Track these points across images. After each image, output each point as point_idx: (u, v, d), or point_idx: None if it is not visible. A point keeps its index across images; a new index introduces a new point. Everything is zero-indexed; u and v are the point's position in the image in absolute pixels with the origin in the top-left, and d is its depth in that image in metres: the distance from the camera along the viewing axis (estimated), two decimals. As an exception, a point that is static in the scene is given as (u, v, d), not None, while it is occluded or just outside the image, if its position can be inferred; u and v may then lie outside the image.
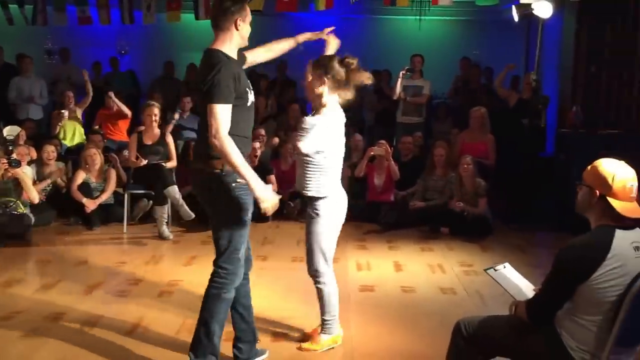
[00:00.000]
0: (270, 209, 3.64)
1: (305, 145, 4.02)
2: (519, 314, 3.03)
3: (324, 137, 4.05)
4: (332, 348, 4.35)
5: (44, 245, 6.99)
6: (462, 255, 6.77)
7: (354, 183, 8.27)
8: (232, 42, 3.70)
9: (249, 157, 3.78)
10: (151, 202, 7.81)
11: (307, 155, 4.07)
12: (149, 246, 7.01)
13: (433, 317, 4.91)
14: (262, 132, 9.34)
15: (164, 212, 7.36)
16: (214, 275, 3.82)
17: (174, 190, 7.28)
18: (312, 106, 4.23)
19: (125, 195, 7.70)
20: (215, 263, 3.82)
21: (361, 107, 11.34)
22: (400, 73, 9.54)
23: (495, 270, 3.41)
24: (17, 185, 7.17)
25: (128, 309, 5.01)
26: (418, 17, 11.00)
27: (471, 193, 7.74)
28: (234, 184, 3.68)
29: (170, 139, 7.87)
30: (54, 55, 12.25)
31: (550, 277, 2.89)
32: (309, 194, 4.15)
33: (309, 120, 4.05)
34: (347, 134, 9.37)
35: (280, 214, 8.25)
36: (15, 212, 7.17)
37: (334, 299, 4.32)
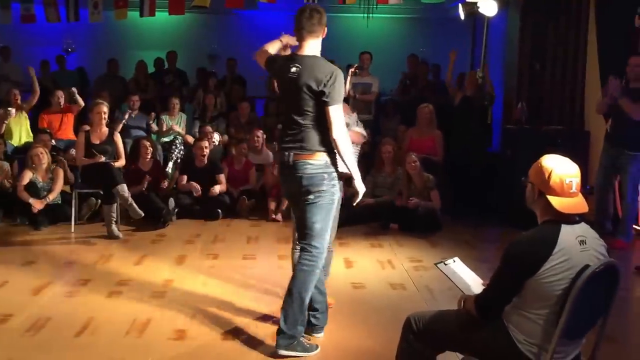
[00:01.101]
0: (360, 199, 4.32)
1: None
2: (468, 309, 3.08)
3: None
4: None
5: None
6: (411, 251, 6.86)
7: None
8: (319, 48, 4.23)
9: None
10: (99, 201, 7.71)
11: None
12: (98, 246, 6.91)
13: (383, 313, 4.97)
14: (210, 129, 9.31)
15: (113, 211, 7.26)
16: (307, 253, 4.23)
17: (123, 189, 7.20)
18: None
19: (73, 195, 7.58)
20: (308, 243, 4.24)
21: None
22: (350, 71, 9.57)
23: (445, 264, 3.46)
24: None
25: (77, 309, 4.94)
26: (366, 15, 11.08)
27: (420, 188, 7.85)
28: (334, 174, 4.21)
29: (118, 138, 7.77)
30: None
31: (498, 272, 2.94)
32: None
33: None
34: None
35: (232, 212, 8.28)
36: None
37: None
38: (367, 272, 6.12)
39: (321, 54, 4.39)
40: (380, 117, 10.63)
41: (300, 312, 4.19)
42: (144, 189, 8.05)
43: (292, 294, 4.20)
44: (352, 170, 4.21)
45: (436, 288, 5.50)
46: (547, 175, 2.91)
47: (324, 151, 4.15)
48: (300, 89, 4.10)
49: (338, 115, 4.09)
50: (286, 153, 4.21)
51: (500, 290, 2.97)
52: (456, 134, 8.79)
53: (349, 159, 4.15)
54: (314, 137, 4.13)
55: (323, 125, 4.12)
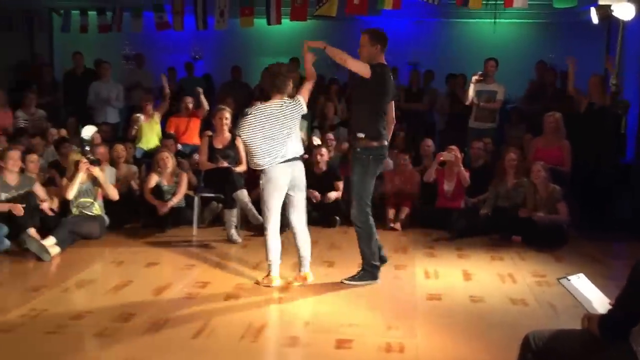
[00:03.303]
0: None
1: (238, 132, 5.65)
2: (592, 329, 2.91)
3: (246, 126, 5.46)
4: (268, 285, 5.66)
5: (117, 246, 7.13)
6: (534, 265, 6.55)
7: (423, 188, 8.26)
8: None
9: None
10: (221, 205, 7.87)
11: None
12: (218, 249, 7.05)
13: (501, 329, 4.76)
14: (331, 136, 9.32)
15: (233, 215, 7.40)
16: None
17: (243, 194, 7.33)
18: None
19: (196, 199, 7.79)
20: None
21: (432, 111, 11.23)
22: (473, 78, 9.36)
23: (569, 280, 3.28)
24: (93, 185, 7.36)
25: (195, 311, 5.06)
26: (493, 20, 10.80)
27: (546, 200, 7.50)
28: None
29: (240, 143, 7.91)
30: (131, 61, 12.60)
31: (624, 292, 2.77)
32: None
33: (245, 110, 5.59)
34: (417, 139, 9.32)
35: (350, 219, 8.21)
36: (92, 213, 7.36)
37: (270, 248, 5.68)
38: (486, 285, 5.91)
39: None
40: (505, 126, 10.30)
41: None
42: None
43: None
44: None
45: (559, 305, 5.23)
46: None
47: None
48: (394, 92, 5.82)
49: None
50: (387, 142, 5.74)
51: (626, 312, 2.78)
52: (584, 143, 8.34)
53: None
54: None
55: None
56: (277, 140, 5.46)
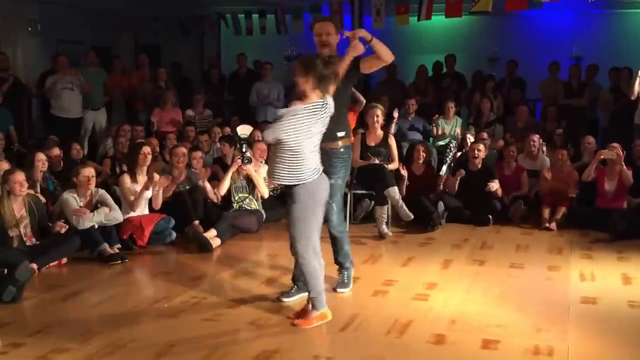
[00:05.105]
0: None
1: (267, 134, 4.52)
2: None
3: (290, 129, 4.45)
4: (323, 323, 4.73)
5: (273, 240, 7.39)
6: None
7: (581, 187, 7.95)
8: None
9: None
10: (373, 202, 7.96)
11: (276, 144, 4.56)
12: (369, 245, 7.14)
13: (663, 338, 4.51)
14: (485, 135, 9.17)
15: (384, 212, 7.47)
16: None
17: (394, 192, 7.38)
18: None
19: (348, 195, 7.93)
20: None
21: (594, 107, 10.75)
22: (639, 71, 8.85)
23: None
24: (251, 182, 7.70)
25: (343, 305, 5.17)
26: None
27: None
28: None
29: (392, 141, 7.99)
30: (292, 62, 13.03)
31: None
32: (284, 183, 4.67)
33: (280, 111, 4.66)
34: (577, 135, 8.81)
35: (503, 218, 8.06)
36: (250, 208, 7.71)
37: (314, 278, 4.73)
38: (648, 290, 5.59)
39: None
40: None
41: None
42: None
43: None
44: None
45: None
46: None
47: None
48: None
49: None
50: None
51: None
52: None
53: None
54: None
55: None
56: (317, 146, 4.68)
